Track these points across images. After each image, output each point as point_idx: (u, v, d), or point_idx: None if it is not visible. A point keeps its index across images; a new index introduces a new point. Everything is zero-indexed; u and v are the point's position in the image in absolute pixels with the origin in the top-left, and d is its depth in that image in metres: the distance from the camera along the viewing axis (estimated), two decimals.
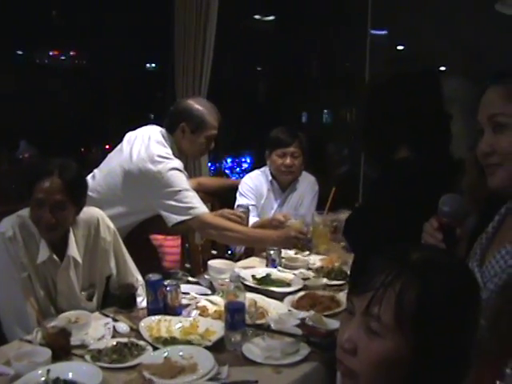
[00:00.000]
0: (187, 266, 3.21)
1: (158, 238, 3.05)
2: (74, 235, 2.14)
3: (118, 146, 2.82)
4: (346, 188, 4.07)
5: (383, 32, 5.45)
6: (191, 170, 4.02)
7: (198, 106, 2.80)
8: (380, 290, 0.91)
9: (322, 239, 2.91)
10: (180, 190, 2.60)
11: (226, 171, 6.66)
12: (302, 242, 2.73)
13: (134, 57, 7.18)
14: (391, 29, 5.50)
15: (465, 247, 1.38)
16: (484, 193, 2.13)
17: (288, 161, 3.18)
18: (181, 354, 1.76)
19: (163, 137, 2.76)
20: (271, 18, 5.90)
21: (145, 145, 2.69)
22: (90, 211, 2.24)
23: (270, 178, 3.30)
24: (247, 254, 3.04)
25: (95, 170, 2.79)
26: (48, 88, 6.08)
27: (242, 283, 2.14)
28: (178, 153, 2.78)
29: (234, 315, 1.88)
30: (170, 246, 3.06)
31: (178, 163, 2.67)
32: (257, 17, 5.84)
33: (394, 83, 1.88)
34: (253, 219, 3.15)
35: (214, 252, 3.41)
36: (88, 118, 6.08)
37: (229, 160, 6.63)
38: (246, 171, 7.07)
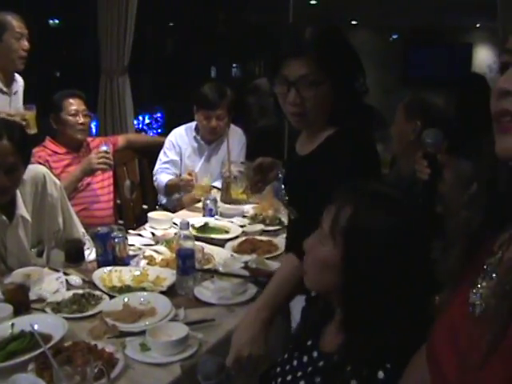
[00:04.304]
0: (120, 222, 3.23)
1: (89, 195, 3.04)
2: (20, 194, 2.12)
3: None
4: (269, 140, 4.18)
5: None
6: (117, 126, 3.98)
7: None
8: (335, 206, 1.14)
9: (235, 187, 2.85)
10: None
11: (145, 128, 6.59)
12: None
13: (36, 12, 6.78)
14: None
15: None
16: (411, 137, 2.33)
17: (213, 123, 3.14)
18: (141, 300, 1.85)
19: None
20: None
21: None
22: (34, 169, 2.21)
23: (194, 133, 3.28)
24: (180, 207, 3.10)
25: None
26: None
27: None
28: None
29: (186, 261, 1.97)
30: (102, 202, 3.06)
31: None
32: None
33: None
34: (167, 177, 3.21)
35: (145, 206, 3.46)
36: None
37: (146, 117, 6.55)
38: (161, 127, 7.03)
